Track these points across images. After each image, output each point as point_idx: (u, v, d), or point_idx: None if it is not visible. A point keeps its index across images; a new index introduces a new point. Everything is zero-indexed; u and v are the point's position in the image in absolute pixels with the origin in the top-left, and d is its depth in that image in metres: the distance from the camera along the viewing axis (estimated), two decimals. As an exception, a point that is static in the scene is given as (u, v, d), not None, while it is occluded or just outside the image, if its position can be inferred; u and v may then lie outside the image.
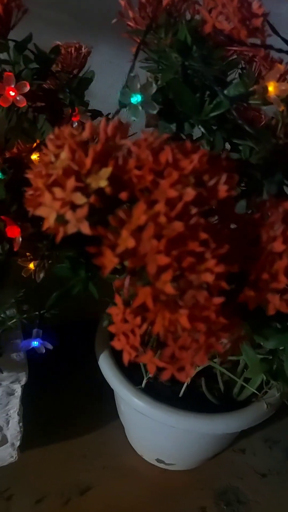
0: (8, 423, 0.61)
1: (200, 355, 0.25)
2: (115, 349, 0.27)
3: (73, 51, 0.48)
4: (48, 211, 0.23)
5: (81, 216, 0.22)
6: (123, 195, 0.22)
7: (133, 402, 0.58)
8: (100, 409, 0.73)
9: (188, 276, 0.22)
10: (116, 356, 0.61)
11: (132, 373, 0.60)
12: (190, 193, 0.22)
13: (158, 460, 0.68)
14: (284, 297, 0.25)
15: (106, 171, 0.22)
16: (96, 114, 0.53)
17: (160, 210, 0.22)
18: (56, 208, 0.23)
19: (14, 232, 0.34)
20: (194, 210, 0.22)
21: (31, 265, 0.43)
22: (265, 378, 0.57)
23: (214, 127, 0.32)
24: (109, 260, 0.22)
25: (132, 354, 0.26)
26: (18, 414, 0.61)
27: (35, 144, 0.38)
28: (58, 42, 0.49)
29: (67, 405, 0.74)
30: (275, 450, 0.72)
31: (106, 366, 0.61)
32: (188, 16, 0.34)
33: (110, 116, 0.40)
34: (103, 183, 0.22)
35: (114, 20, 0.35)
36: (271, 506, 0.66)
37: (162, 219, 0.22)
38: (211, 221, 0.23)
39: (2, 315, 0.55)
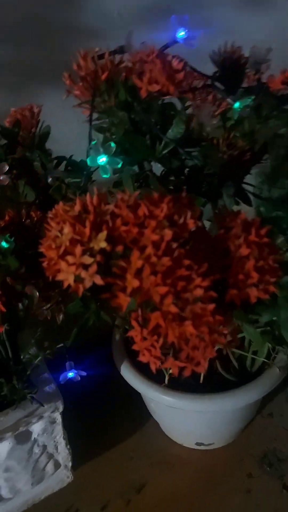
0: (57, 448, 0.69)
1: (208, 350, 0.33)
2: (132, 357, 0.35)
3: (27, 113, 0.55)
4: (66, 275, 0.31)
5: (92, 272, 0.30)
6: (119, 248, 0.30)
7: (162, 399, 0.66)
8: (132, 415, 0.82)
9: (184, 296, 0.30)
10: (135, 363, 0.69)
11: (153, 375, 0.68)
12: (168, 233, 0.30)
13: (197, 444, 0.76)
14: (260, 288, 0.33)
15: (103, 235, 0.30)
16: (61, 159, 0.61)
17: (150, 252, 0.30)
18: (72, 271, 0.30)
19: (30, 290, 0.42)
20: (174, 245, 0.30)
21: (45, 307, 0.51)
22: (270, 346, 0.66)
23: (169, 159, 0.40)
24: (123, 300, 0.30)
25: (157, 363, 0.34)
26: (64, 439, 0.69)
27: (23, 210, 0.45)
28: (13, 109, 0.56)
29: (101, 418, 0.82)
30: (298, 406, 0.81)
31: (129, 374, 0.69)
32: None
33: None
34: (103, 244, 0.30)
35: (64, 97, 0.42)
36: (307, 455, 0.74)
37: (153, 259, 0.29)
38: (187, 249, 0.31)
39: (27, 356, 0.63)
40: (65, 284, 0.32)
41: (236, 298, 0.34)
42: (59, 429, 0.67)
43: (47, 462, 0.70)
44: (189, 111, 0.41)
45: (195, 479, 0.75)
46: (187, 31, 0.41)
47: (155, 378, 0.68)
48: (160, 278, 0.29)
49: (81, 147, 0.60)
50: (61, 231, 0.31)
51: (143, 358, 0.35)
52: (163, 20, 0.77)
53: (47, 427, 0.66)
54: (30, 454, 0.67)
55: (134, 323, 0.35)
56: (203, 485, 0.74)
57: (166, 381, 0.67)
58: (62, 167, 0.59)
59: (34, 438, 0.66)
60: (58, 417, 0.66)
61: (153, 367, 0.34)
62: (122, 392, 0.74)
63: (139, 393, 0.75)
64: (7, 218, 0.46)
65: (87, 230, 0.31)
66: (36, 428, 0.65)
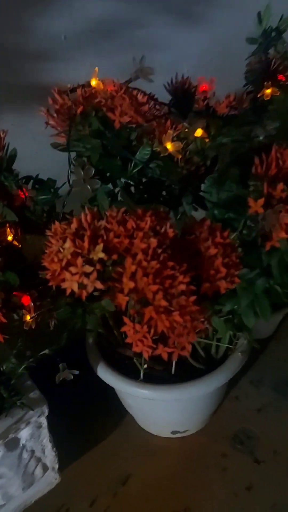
0: (44, 452, 0.75)
1: (191, 335, 0.41)
2: (106, 359, 0.42)
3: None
4: (70, 283, 0.38)
5: (93, 279, 0.38)
6: (114, 257, 0.38)
7: (140, 393, 0.74)
8: (109, 414, 0.89)
9: (171, 291, 0.38)
10: (109, 364, 0.76)
11: (127, 373, 0.75)
12: (153, 241, 0.38)
13: (173, 432, 0.85)
14: (227, 280, 0.42)
15: (100, 247, 0.38)
16: (28, 178, 0.67)
17: (140, 258, 0.37)
18: (75, 279, 0.38)
19: (26, 300, 0.48)
20: (159, 251, 0.38)
21: (28, 317, 0.57)
22: (232, 333, 0.75)
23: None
24: (122, 299, 0.37)
25: (149, 351, 0.42)
26: (50, 441, 0.75)
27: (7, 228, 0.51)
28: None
29: (80, 420, 0.88)
30: (261, 387, 0.92)
31: (107, 374, 0.76)
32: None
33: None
34: (101, 255, 0.37)
35: (45, 127, 0.49)
36: (273, 430, 0.85)
37: (144, 263, 0.37)
38: (169, 253, 0.39)
39: (11, 366, 0.68)
40: (68, 291, 0.39)
41: (209, 291, 0.42)
42: (45, 433, 0.73)
43: (36, 466, 0.75)
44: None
45: (175, 465, 0.83)
46: (146, 68, 0.48)
47: (130, 375, 0.75)
48: (151, 278, 0.37)
49: (38, 164, 0.67)
50: (62, 246, 0.38)
51: (136, 349, 0.42)
52: (106, 42, 0.85)
53: (34, 432, 0.72)
54: (20, 460, 0.72)
55: (126, 319, 0.42)
56: (182, 469, 0.82)
57: (141, 376, 0.75)
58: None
59: (23, 444, 0.72)
60: (44, 421, 0.72)
61: (145, 355, 0.42)
62: (97, 393, 0.82)
63: (114, 393, 0.83)
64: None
65: (85, 244, 0.38)
66: (24, 434, 0.71)
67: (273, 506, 0.76)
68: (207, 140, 0.50)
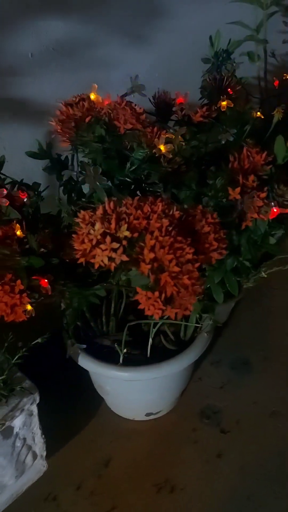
0: (34, 440, 0.84)
1: (192, 298, 0.53)
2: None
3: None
4: (101, 258, 0.49)
5: (120, 253, 0.49)
6: (136, 235, 0.49)
7: (121, 375, 0.85)
8: (86, 404, 0.99)
9: (180, 260, 0.50)
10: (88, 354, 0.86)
11: (106, 360, 0.86)
12: (165, 221, 0.50)
13: (147, 415, 0.96)
14: (217, 252, 0.55)
15: (124, 227, 0.49)
16: (14, 182, 0.77)
17: (157, 234, 0.49)
18: (106, 254, 0.49)
19: (45, 283, 0.58)
20: (170, 228, 0.50)
21: (29, 307, 0.66)
22: (197, 316, 0.88)
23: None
24: (144, 267, 0.49)
25: (159, 313, 0.53)
26: (40, 429, 0.83)
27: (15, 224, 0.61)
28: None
29: (60, 412, 0.97)
30: (220, 367, 1.06)
31: (88, 362, 0.86)
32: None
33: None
34: (126, 233, 0.49)
35: (53, 136, 0.60)
36: (234, 404, 0.99)
37: (160, 239, 0.49)
38: (177, 230, 0.51)
39: (2, 358, 0.77)
40: (97, 265, 0.50)
41: (204, 261, 0.55)
42: (35, 420, 0.82)
43: (27, 454, 0.83)
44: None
45: (151, 444, 0.94)
46: (140, 84, 0.61)
47: (109, 362, 0.86)
48: (167, 250, 0.49)
49: (10, 169, 0.77)
50: (92, 229, 0.49)
51: (148, 312, 0.53)
52: (68, 60, 0.97)
53: (26, 419, 0.80)
54: (14, 448, 0.80)
55: (138, 289, 0.53)
56: (158, 447, 0.94)
57: (121, 361, 0.86)
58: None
59: (16, 432, 0.80)
60: (35, 409, 0.81)
61: (156, 317, 0.53)
62: (73, 387, 0.91)
63: (89, 386, 0.94)
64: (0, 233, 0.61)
65: (113, 225, 0.49)
66: (17, 422, 0.79)
67: (241, 467, 0.90)
68: (183, 144, 0.63)
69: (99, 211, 0.50)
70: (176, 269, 0.49)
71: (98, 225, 0.49)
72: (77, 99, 0.62)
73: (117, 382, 0.89)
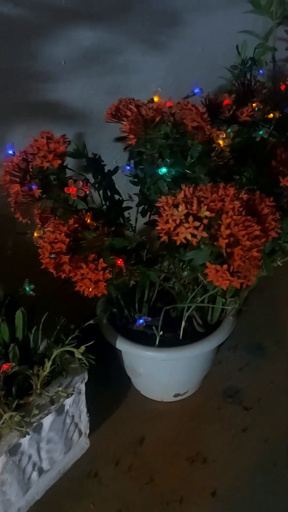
0: (80, 417, 0.93)
1: (255, 270, 0.65)
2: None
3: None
4: (185, 235, 0.59)
5: (201, 230, 0.59)
6: (213, 215, 0.60)
7: (158, 356, 0.95)
8: (116, 388, 1.10)
9: (250, 235, 0.61)
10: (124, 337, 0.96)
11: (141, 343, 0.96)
12: (237, 203, 0.61)
13: (175, 395, 1.07)
14: (274, 231, 0.66)
15: (204, 208, 0.60)
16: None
17: (231, 214, 0.60)
18: (189, 231, 0.59)
19: (121, 262, 0.67)
20: (241, 209, 0.61)
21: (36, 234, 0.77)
22: (224, 300, 0.99)
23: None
24: (222, 242, 0.60)
25: (227, 283, 0.64)
26: (85, 407, 0.92)
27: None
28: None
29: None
30: (237, 351, 1.18)
31: (126, 345, 0.96)
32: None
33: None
34: (207, 213, 0.59)
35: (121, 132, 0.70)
36: (253, 384, 1.11)
37: (234, 217, 0.60)
38: (246, 210, 0.62)
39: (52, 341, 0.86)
40: (178, 242, 0.60)
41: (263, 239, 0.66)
42: (83, 399, 0.91)
43: (74, 431, 0.92)
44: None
45: (180, 422, 1.05)
46: (199, 89, 0.72)
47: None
48: (240, 226, 0.60)
49: None
50: (176, 210, 0.60)
51: (217, 283, 0.64)
52: (94, 66, 1.07)
53: (76, 397, 0.90)
54: (64, 425, 0.89)
55: (208, 264, 0.64)
56: (187, 425, 1.04)
57: (157, 342, 0.96)
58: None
59: (67, 409, 0.89)
60: (83, 387, 0.90)
61: (224, 286, 0.64)
62: (101, 370, 1.01)
63: (118, 368, 1.03)
64: (71, 222, 0.71)
65: (194, 206, 0.60)
66: (68, 400, 0.88)
67: (266, 440, 1.01)
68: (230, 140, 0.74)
69: (181, 196, 0.61)
70: (248, 243, 0.60)
71: (181, 207, 0.60)
72: (146, 102, 0.72)
73: (152, 363, 0.99)
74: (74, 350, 0.78)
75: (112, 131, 0.97)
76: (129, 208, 0.88)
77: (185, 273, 0.89)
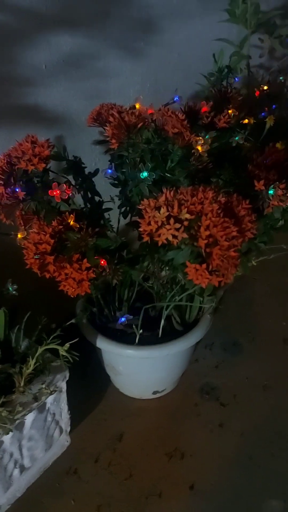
0: (61, 415, 0.95)
1: (232, 269, 0.68)
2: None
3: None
4: (166, 236, 0.63)
5: (181, 231, 0.63)
6: (192, 217, 0.63)
7: (138, 354, 0.98)
8: (95, 386, 1.12)
9: (228, 236, 0.64)
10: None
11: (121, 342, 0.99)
12: (215, 206, 0.64)
13: (154, 393, 1.10)
14: (251, 232, 0.70)
15: (185, 210, 0.63)
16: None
17: (210, 216, 0.64)
18: (171, 233, 0.62)
19: (104, 262, 0.70)
20: (219, 211, 0.65)
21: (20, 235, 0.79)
22: (201, 299, 1.03)
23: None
24: (202, 242, 0.63)
25: (206, 281, 0.67)
26: (66, 405, 0.95)
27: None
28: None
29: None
30: (214, 349, 1.22)
31: (106, 344, 0.99)
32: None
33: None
34: (187, 215, 0.63)
35: (104, 135, 0.73)
36: (229, 380, 1.15)
37: (213, 219, 0.63)
38: (224, 212, 0.65)
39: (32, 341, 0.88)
40: (160, 242, 0.63)
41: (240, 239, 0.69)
42: (64, 397, 0.94)
43: (55, 429, 0.95)
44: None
45: (159, 419, 1.08)
46: (178, 97, 0.75)
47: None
48: (219, 228, 0.63)
49: None
50: (158, 212, 0.63)
51: (197, 282, 0.67)
52: (74, 71, 1.10)
53: (57, 395, 0.92)
54: (45, 422, 0.92)
55: (188, 263, 0.67)
56: (166, 421, 1.07)
57: (137, 341, 0.99)
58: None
59: (48, 407, 0.91)
60: (64, 385, 0.92)
61: (204, 284, 0.67)
62: (79, 369, 1.02)
63: (96, 367, 1.06)
64: (55, 223, 0.74)
65: (175, 210, 0.63)
66: (50, 398, 0.90)
67: (242, 434, 1.05)
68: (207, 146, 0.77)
69: (162, 199, 0.64)
70: (226, 243, 0.64)
71: (163, 210, 0.63)
72: (128, 109, 0.75)
73: (132, 361, 1.02)
74: (59, 347, 0.80)
75: (91, 134, 1.00)
76: (109, 209, 0.90)
77: (163, 272, 0.93)
